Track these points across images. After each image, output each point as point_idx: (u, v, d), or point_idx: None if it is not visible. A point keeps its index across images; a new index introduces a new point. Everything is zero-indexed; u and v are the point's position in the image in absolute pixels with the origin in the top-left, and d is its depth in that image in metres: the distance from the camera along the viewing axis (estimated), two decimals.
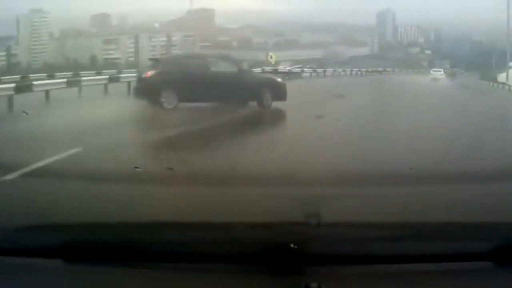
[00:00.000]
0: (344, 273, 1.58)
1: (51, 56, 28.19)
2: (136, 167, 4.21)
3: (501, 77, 25.08)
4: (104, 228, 1.87)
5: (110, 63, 25.21)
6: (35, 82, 13.77)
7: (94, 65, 25.01)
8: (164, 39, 25.54)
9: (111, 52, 26.11)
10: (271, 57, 18.48)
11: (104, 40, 26.31)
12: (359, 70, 25.91)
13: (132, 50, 25.87)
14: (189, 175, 4.09)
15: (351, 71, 25.41)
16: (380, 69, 26.82)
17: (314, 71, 22.51)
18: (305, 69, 22.38)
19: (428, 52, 27.02)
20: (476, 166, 4.77)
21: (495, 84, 24.72)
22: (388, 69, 27.25)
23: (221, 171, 4.37)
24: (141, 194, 3.62)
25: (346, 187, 3.79)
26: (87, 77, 16.68)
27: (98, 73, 19.15)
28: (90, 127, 7.28)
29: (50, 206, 3.26)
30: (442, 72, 25.69)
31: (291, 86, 12.77)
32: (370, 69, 26.35)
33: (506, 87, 22.87)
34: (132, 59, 25.64)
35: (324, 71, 23.23)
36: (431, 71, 25.57)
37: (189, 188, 3.75)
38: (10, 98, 11.32)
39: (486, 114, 10.92)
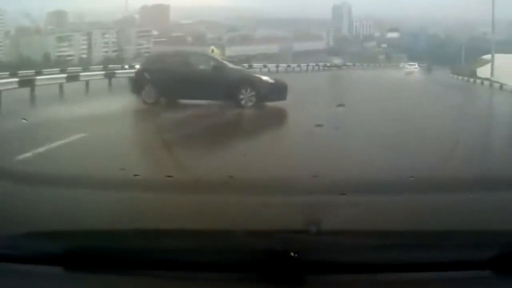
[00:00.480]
0: (344, 281, 1.57)
1: (7, 54, 27.43)
2: (135, 175, 4.16)
3: (481, 71, 22.14)
4: (104, 236, 1.87)
5: (64, 61, 24.71)
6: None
7: (48, 63, 24.46)
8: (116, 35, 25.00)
9: (65, 49, 25.47)
10: (212, 51, 17.75)
11: (57, 37, 25.67)
12: (317, 65, 24.33)
13: (85, 47, 25.26)
14: (188, 183, 4.03)
15: (307, 66, 23.95)
16: (339, 63, 25.43)
17: (265, 66, 20.75)
18: (254, 64, 20.60)
19: (384, 45, 26.92)
20: (475, 174, 4.70)
21: (477, 80, 21.74)
22: (348, 64, 25.98)
23: (220, 178, 4.30)
24: (140, 202, 3.61)
25: (347, 195, 3.75)
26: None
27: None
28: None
29: (50, 213, 3.27)
30: (417, 66, 25.33)
31: None
32: (328, 64, 24.88)
33: (496, 84, 18.72)
34: (85, 56, 25.09)
35: (277, 66, 21.71)
36: (406, 65, 25.19)
37: (188, 196, 3.71)
38: None
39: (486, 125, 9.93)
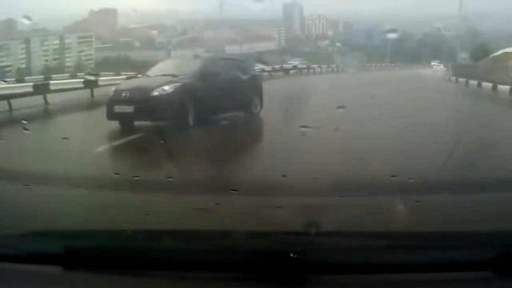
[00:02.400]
0: (343, 282, 1.58)
1: None
2: (134, 176, 4.12)
3: None
4: (104, 236, 1.89)
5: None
6: None
7: None
8: (57, 42, 23.70)
9: (2, 59, 23.95)
10: None
11: None
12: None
13: (24, 56, 23.85)
14: (188, 184, 4.02)
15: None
16: (288, 65, 21.70)
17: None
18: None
19: (338, 44, 26.34)
20: (476, 176, 4.63)
21: None
22: (301, 66, 22.55)
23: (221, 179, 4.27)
24: (140, 202, 3.63)
25: (346, 196, 3.76)
26: None
27: None
28: None
29: (50, 213, 3.29)
30: (442, 66, 25.70)
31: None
32: (269, 68, 19.34)
33: None
34: (24, 65, 23.68)
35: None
36: (433, 65, 25.76)
37: (188, 197, 3.72)
38: None
39: None
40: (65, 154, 5.95)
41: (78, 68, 22.15)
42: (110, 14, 26.57)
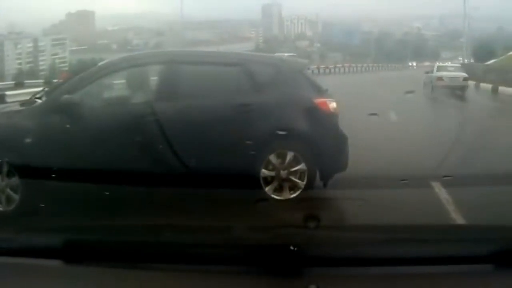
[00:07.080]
0: (343, 275, 1.57)
1: None
2: (134, 170, 4.09)
3: None
4: (104, 230, 1.94)
5: None
6: None
7: None
8: (31, 44, 23.16)
9: None
10: None
11: None
12: None
13: None
14: (187, 177, 4.01)
15: None
16: None
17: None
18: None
19: (318, 45, 26.20)
20: (477, 169, 4.59)
21: None
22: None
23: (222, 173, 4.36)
24: (141, 196, 3.68)
25: (346, 190, 3.84)
26: None
27: None
28: None
29: (51, 206, 3.42)
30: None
31: None
32: None
33: None
34: None
35: None
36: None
37: (188, 190, 3.73)
38: None
39: None
40: None
41: (52, 71, 21.63)
42: (87, 16, 26.16)
